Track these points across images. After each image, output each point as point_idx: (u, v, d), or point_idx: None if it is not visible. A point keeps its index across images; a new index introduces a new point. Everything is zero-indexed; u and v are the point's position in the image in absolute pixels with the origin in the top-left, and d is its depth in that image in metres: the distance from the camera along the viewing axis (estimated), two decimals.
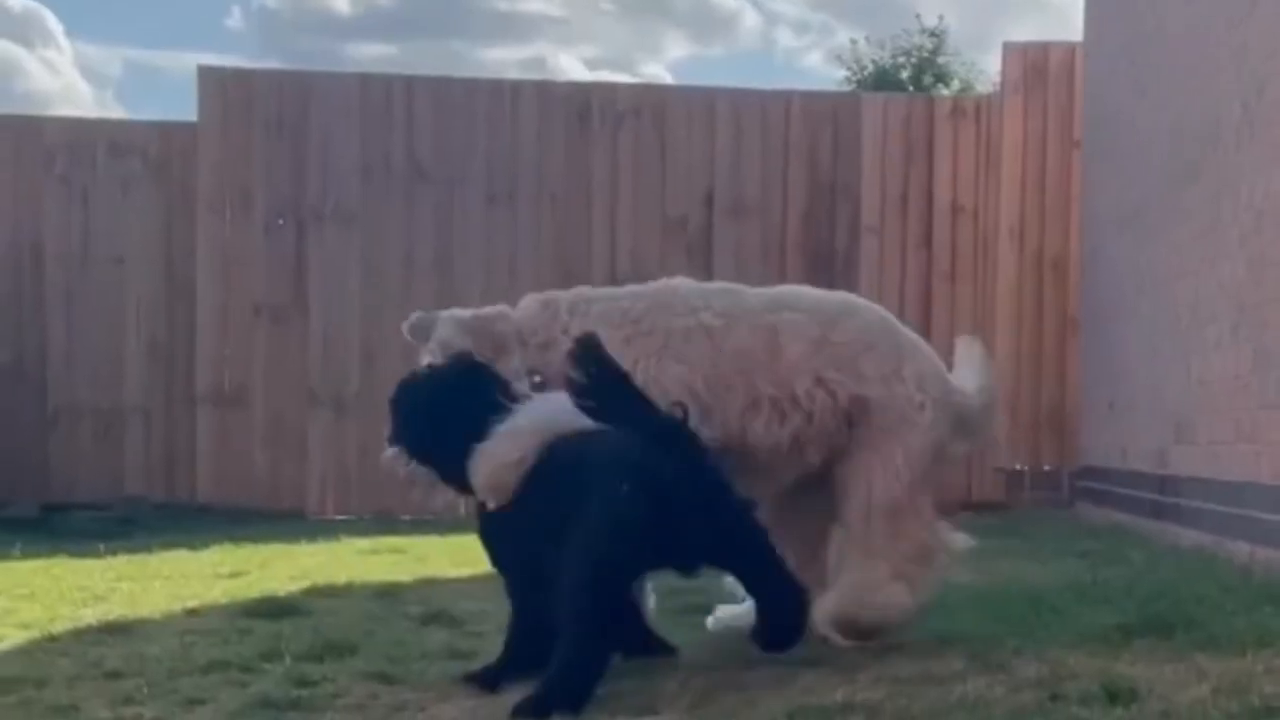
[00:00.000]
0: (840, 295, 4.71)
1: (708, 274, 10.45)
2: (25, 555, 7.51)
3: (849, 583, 4.36)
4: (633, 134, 10.70)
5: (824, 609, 4.32)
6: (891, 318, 4.65)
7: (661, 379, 4.26)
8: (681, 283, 4.55)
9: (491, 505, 4.10)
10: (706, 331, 4.35)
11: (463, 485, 4.16)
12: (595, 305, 4.44)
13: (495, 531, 4.17)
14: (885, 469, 4.37)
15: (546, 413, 4.10)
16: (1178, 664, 4.01)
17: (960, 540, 4.57)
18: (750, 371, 4.33)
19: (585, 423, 4.05)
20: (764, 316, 4.40)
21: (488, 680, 4.05)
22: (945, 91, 25.35)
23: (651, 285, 4.53)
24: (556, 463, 4.00)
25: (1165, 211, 8.25)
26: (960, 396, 4.57)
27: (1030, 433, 10.55)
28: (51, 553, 7.66)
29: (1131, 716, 3.49)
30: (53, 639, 4.96)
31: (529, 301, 4.55)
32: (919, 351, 4.55)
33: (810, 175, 10.79)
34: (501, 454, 4.02)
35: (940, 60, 28.46)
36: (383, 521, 9.43)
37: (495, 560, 4.27)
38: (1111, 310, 9.55)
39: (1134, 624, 4.53)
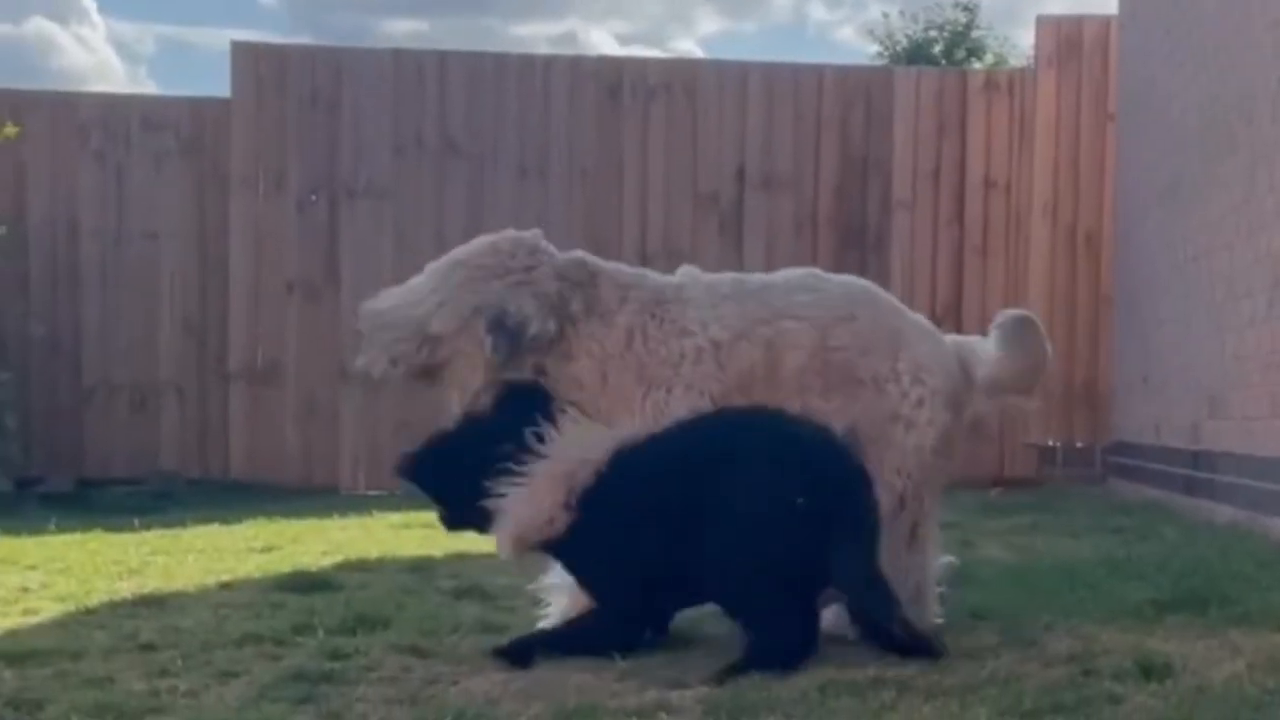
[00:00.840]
0: (843, 291, 4.49)
1: (739, 249, 10.46)
2: (61, 530, 7.56)
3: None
4: (664, 109, 10.67)
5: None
6: (895, 304, 4.53)
7: (672, 408, 4.28)
8: (694, 290, 4.42)
9: (507, 557, 4.27)
10: (714, 347, 4.32)
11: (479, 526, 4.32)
12: (620, 319, 4.34)
13: (586, 545, 4.18)
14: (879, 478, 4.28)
15: (569, 457, 4.15)
16: (1211, 640, 4.00)
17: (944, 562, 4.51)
18: (750, 390, 4.31)
19: (604, 457, 4.14)
20: (762, 329, 4.33)
21: (520, 654, 4.06)
22: (978, 65, 25.18)
23: (668, 292, 4.40)
24: (658, 467, 4.11)
25: (1201, 185, 8.18)
26: (972, 369, 4.42)
27: (1063, 408, 10.48)
28: (87, 527, 7.71)
29: (1165, 692, 3.48)
30: (88, 612, 5.00)
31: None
32: (920, 340, 4.43)
33: (842, 150, 10.74)
34: (528, 518, 4.13)
35: (973, 34, 28.27)
36: (414, 497, 9.43)
37: (587, 569, 4.26)
38: (1146, 285, 9.49)
39: (1168, 600, 4.51)
